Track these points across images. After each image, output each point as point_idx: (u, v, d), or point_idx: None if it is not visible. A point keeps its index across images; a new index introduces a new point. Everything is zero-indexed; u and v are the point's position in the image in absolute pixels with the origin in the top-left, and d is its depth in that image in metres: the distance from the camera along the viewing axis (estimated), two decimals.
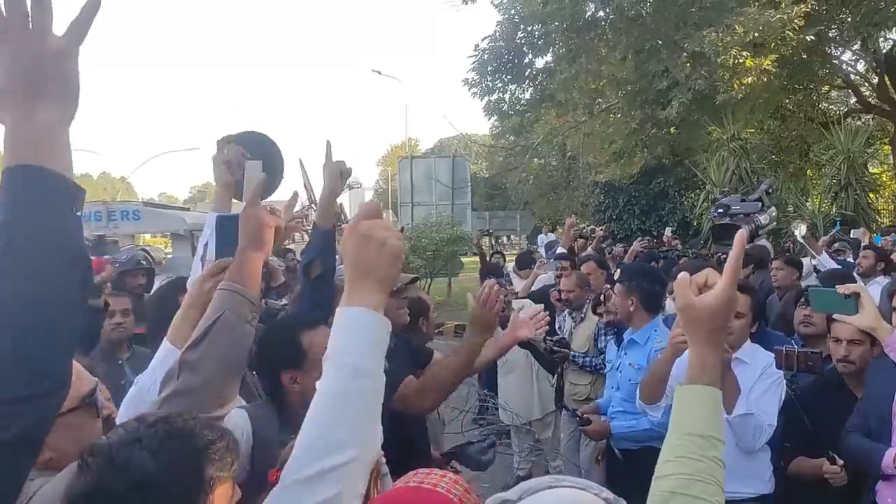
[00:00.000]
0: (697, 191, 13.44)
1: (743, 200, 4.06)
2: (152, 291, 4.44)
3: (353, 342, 1.15)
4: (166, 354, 1.91)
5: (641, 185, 15.74)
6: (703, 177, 13.25)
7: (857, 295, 2.55)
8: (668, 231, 11.22)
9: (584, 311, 5.27)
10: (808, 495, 3.04)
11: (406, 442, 2.75)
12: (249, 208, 1.73)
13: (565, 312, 5.52)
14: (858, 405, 3.05)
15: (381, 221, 1.21)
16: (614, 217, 15.73)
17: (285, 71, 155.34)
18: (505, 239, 21.79)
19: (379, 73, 30.95)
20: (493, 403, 6.82)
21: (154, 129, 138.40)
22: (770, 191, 4.41)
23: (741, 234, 1.30)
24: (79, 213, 1.03)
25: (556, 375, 5.43)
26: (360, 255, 1.17)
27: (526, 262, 8.24)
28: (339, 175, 2.63)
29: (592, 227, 10.50)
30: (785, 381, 3.00)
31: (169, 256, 12.11)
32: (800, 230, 6.77)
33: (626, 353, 4.06)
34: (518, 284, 6.86)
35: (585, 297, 5.30)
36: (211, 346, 1.54)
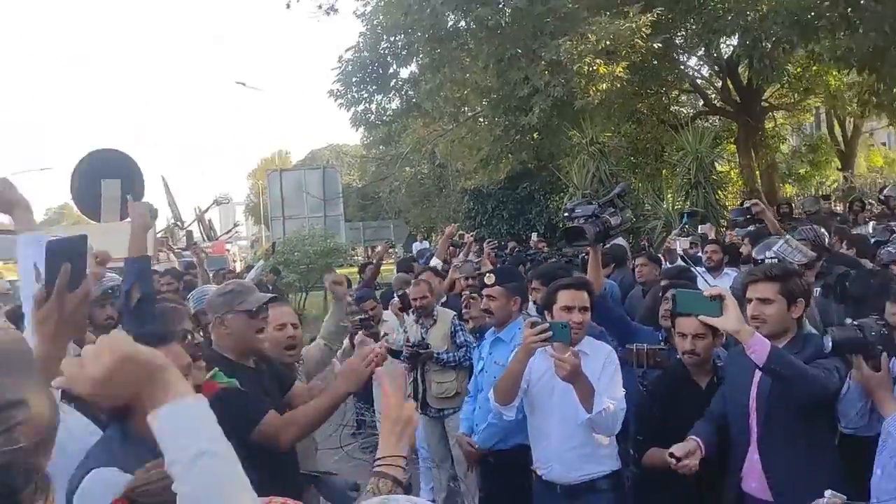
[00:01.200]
0: (562, 194, 13.88)
1: (589, 203, 4.14)
2: None
3: (189, 434, 1.13)
4: None
5: (509, 190, 16.09)
6: (566, 180, 13.69)
7: (721, 297, 2.63)
8: (534, 235, 11.51)
9: (436, 314, 5.39)
10: (667, 480, 3.16)
11: (272, 462, 2.67)
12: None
13: (411, 319, 5.60)
14: (716, 396, 3.23)
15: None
16: (484, 223, 15.98)
17: (149, 84, 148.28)
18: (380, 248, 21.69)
19: (243, 84, 30.09)
20: (371, 418, 6.73)
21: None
22: (623, 194, 4.53)
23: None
24: None
25: (413, 381, 5.44)
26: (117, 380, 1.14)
27: (407, 267, 8.23)
28: (145, 216, 2.83)
29: (462, 233, 10.59)
30: (637, 379, 3.08)
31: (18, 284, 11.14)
32: (680, 244, 7.11)
33: (490, 353, 4.13)
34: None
35: (434, 301, 5.48)
36: None
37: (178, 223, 19.56)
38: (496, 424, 3.83)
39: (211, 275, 8.99)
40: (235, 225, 22.04)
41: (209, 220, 23.76)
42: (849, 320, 2.71)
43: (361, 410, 7.00)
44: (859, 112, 18.80)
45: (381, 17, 16.38)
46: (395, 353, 5.38)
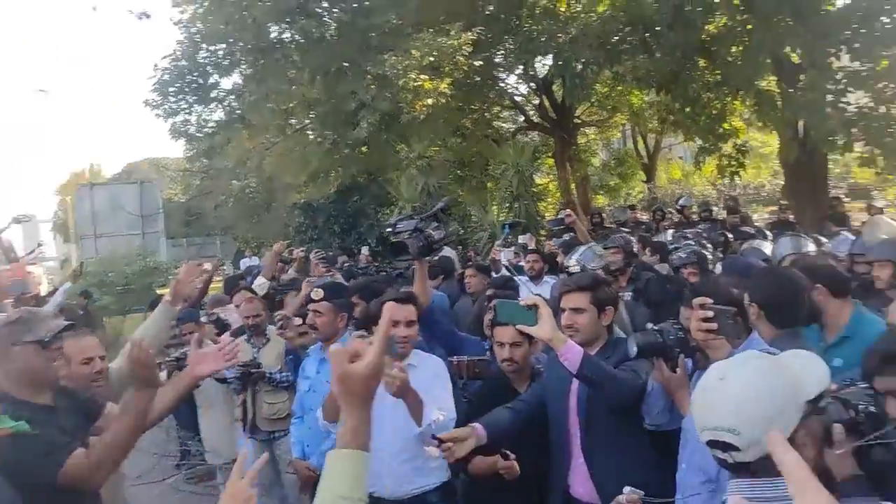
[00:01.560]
0: (392, 207, 14.01)
1: (412, 218, 4.23)
2: None
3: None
4: None
5: (339, 203, 15.98)
6: (395, 194, 13.84)
7: (536, 307, 2.72)
8: (364, 249, 11.52)
9: (268, 333, 5.31)
10: (494, 486, 3.26)
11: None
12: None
13: (242, 339, 5.40)
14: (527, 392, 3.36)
15: None
16: (315, 237, 15.75)
17: None
18: (208, 266, 20.66)
19: (45, 92, 27.54)
20: (196, 447, 6.38)
21: None
22: (446, 208, 4.65)
23: (389, 308, 1.53)
24: None
25: (242, 403, 5.27)
26: None
27: (234, 286, 7.90)
28: None
29: (292, 248, 10.37)
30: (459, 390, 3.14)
31: None
32: (505, 254, 7.38)
33: (318, 372, 4.08)
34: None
35: (266, 319, 5.42)
36: None
37: None
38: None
39: (11, 301, 8.16)
40: (39, 244, 20.05)
41: (8, 241, 21.53)
42: (650, 325, 2.90)
43: (185, 440, 6.64)
44: (659, 129, 20.67)
45: (199, 26, 15.68)
46: (221, 380, 5.17)
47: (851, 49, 11.61)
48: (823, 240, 6.08)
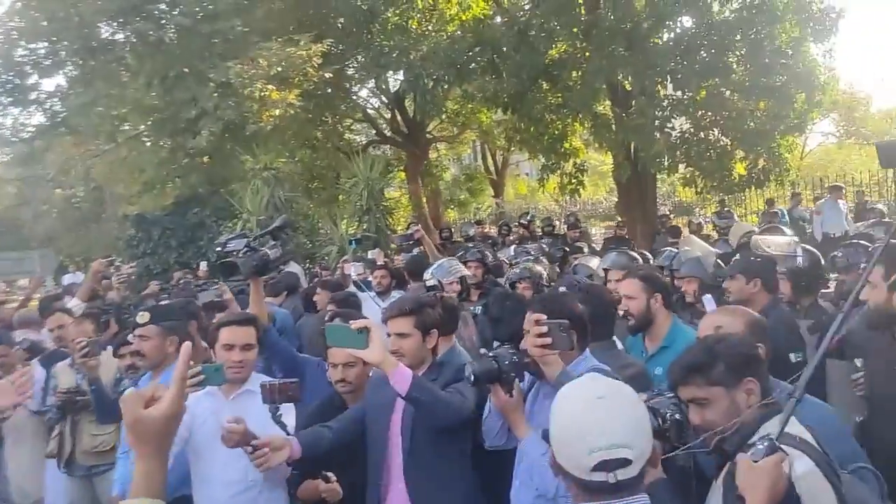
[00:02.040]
0: (235, 220, 13.43)
1: (244, 236, 4.04)
2: None
3: None
4: None
5: (178, 216, 15.00)
6: (239, 206, 13.28)
7: (367, 329, 2.68)
8: (203, 265, 10.93)
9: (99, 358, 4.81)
10: None
11: None
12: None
13: (64, 364, 4.92)
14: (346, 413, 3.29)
15: None
16: (149, 251, 14.67)
17: None
18: (26, 282, 18.78)
19: None
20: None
21: None
22: (284, 227, 4.47)
23: (186, 348, 1.40)
24: None
25: (58, 435, 4.79)
26: None
27: (49, 307, 7.12)
28: None
29: (119, 264, 9.61)
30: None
31: None
32: (354, 269, 7.20)
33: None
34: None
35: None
36: None
37: None
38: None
39: None
40: None
41: None
42: (483, 350, 2.89)
43: None
44: (506, 146, 21.36)
45: (18, 21, 14.28)
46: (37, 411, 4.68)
47: (675, 79, 12.65)
48: (648, 255, 6.45)
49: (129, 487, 3.62)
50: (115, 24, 13.94)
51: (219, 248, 4.11)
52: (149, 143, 15.47)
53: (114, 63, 13.78)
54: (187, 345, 1.32)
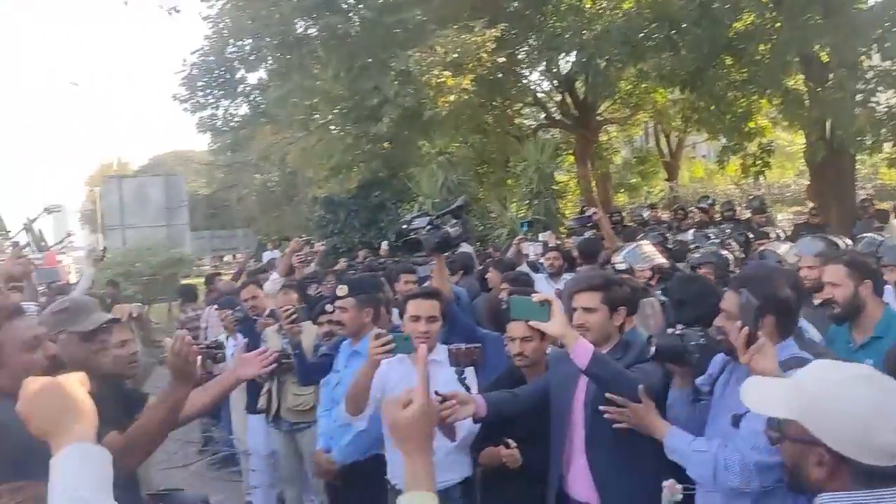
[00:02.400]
0: (413, 202, 14.09)
1: (426, 215, 4.28)
2: None
3: (78, 478, 1.21)
4: None
5: (360, 198, 16.05)
6: (416, 189, 13.90)
7: (549, 302, 2.71)
8: (384, 244, 11.59)
9: (300, 326, 5.29)
10: (503, 480, 3.34)
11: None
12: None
13: (272, 329, 5.40)
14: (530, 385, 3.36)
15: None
16: (336, 231, 15.84)
17: None
18: (232, 258, 20.90)
19: (77, 85, 27.93)
20: (220, 434, 6.51)
21: None
22: (463, 206, 4.68)
23: (422, 352, 1.57)
24: None
25: (267, 392, 5.30)
26: (47, 411, 1.28)
27: (255, 279, 7.98)
28: None
29: (312, 242, 10.47)
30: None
31: None
32: (532, 248, 7.40)
33: (347, 366, 4.07)
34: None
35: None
36: None
37: (2, 233, 17.96)
38: (359, 440, 3.82)
39: (43, 288, 8.32)
40: (69, 234, 20.34)
41: (39, 231, 21.95)
42: (670, 330, 2.82)
43: (208, 426, 6.76)
44: (682, 127, 20.51)
45: (227, 21, 15.87)
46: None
47: (882, 48, 11.43)
48: (848, 241, 6.03)
49: (331, 442, 4.06)
50: (308, 19, 15.02)
51: (404, 226, 4.37)
52: (336, 131, 16.55)
53: (307, 56, 14.88)
54: (423, 348, 1.49)
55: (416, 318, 3.48)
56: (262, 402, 5.37)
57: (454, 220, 4.42)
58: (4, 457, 1.85)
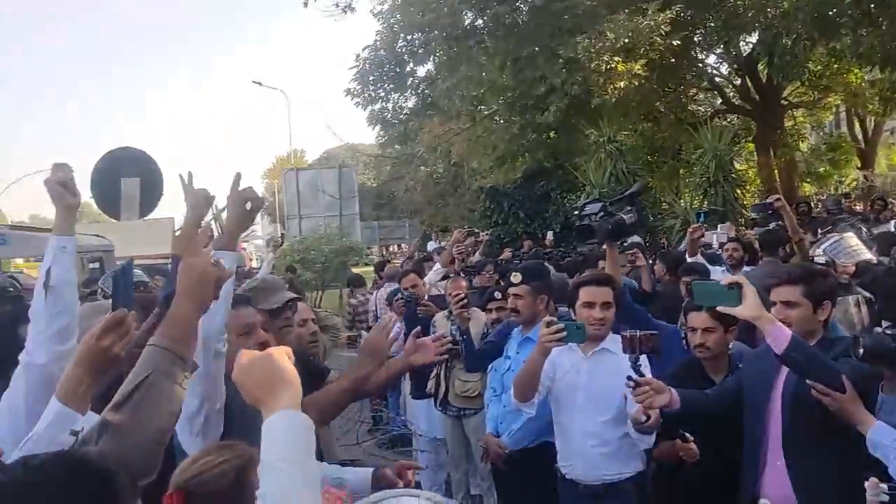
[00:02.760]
0: (578, 193, 13.83)
1: (598, 201, 4.12)
2: None
3: (281, 443, 1.27)
4: (58, 415, 1.66)
5: (525, 188, 16.03)
6: (582, 179, 13.63)
7: (738, 286, 2.53)
8: (549, 234, 11.48)
9: (469, 313, 5.28)
10: (679, 474, 3.19)
11: None
12: (192, 257, 1.61)
13: (442, 315, 5.45)
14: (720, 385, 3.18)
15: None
16: (500, 221, 15.92)
17: (164, 84, 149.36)
18: (396, 248, 21.70)
19: (260, 84, 30.21)
20: (388, 414, 6.71)
21: (22, 148, 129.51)
22: (639, 193, 4.48)
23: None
24: None
25: (436, 376, 5.37)
26: (255, 380, 1.34)
27: (419, 268, 8.19)
28: (244, 204, 2.41)
29: (477, 231, 10.58)
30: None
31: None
32: (717, 237, 7.05)
33: (518, 353, 4.04)
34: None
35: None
36: (136, 410, 1.43)
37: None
38: (529, 426, 3.80)
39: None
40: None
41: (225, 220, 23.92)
42: (877, 329, 2.62)
43: (379, 407, 6.98)
44: (881, 110, 18.57)
45: (397, 16, 16.39)
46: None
47: None
48: None
49: (501, 427, 4.03)
50: (476, 10, 15.17)
51: (577, 212, 4.25)
52: (501, 121, 16.61)
53: (474, 47, 15.04)
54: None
55: (590, 305, 3.38)
56: (430, 385, 5.47)
57: (628, 207, 4.24)
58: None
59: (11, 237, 11.29)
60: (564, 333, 3.02)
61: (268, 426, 1.28)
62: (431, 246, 15.78)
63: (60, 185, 2.23)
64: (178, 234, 2.87)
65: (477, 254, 9.99)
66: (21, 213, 57.98)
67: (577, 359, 3.41)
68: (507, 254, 10.90)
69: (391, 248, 21.63)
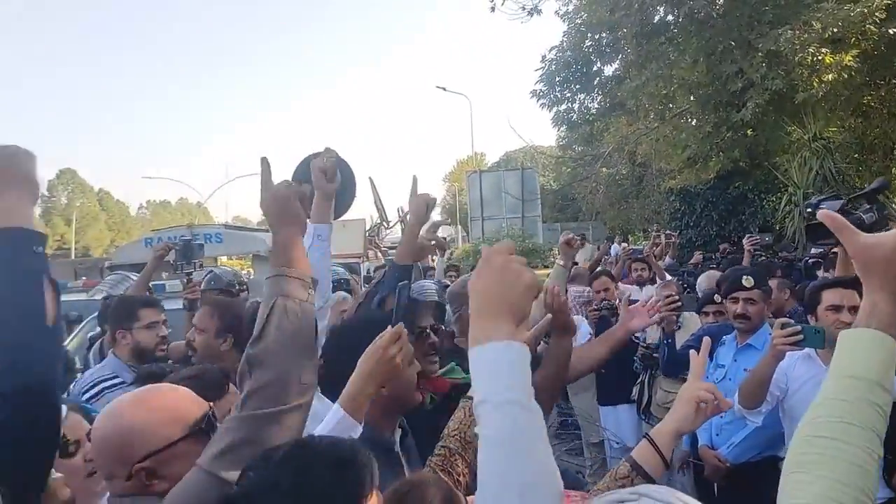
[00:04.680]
0: (779, 193, 13.02)
1: (837, 198, 3.88)
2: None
3: (507, 378, 1.09)
4: (340, 423, 1.79)
5: (718, 189, 15.31)
6: (784, 179, 12.82)
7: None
8: (763, 237, 10.87)
9: (681, 319, 5.08)
10: None
11: None
12: (266, 191, 1.67)
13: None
14: None
15: (515, 257, 1.19)
16: (691, 224, 15.33)
17: (351, 91, 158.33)
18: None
19: (444, 89, 31.16)
20: (573, 418, 6.68)
21: (225, 154, 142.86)
22: (880, 189, 4.18)
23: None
24: (39, 250, 1.41)
25: (640, 383, 5.31)
26: (494, 289, 1.15)
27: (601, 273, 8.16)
28: (424, 208, 2.59)
29: (668, 233, 10.29)
30: None
31: (250, 278, 12.50)
32: None
33: (735, 360, 3.93)
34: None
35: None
36: (274, 336, 1.46)
37: (385, 223, 20.71)
38: (754, 438, 3.66)
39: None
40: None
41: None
42: None
43: (564, 411, 6.95)
44: None
45: (584, 16, 16.31)
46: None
47: None
48: None
49: (717, 439, 3.83)
50: (667, 5, 14.76)
51: (809, 210, 4.05)
52: (692, 120, 16.01)
53: (665, 44, 14.64)
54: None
55: (837, 308, 3.18)
56: (634, 391, 5.40)
57: (867, 206, 3.98)
58: None
59: (226, 236, 12.67)
60: (801, 336, 2.87)
61: (491, 353, 1.10)
62: (614, 249, 15.51)
63: (322, 171, 2.42)
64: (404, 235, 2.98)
65: (667, 257, 9.75)
66: (225, 214, 63.83)
67: (816, 369, 3.22)
68: (697, 257, 10.51)
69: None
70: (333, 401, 1.88)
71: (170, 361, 3.57)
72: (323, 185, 2.43)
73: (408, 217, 2.83)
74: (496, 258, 1.17)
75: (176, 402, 1.54)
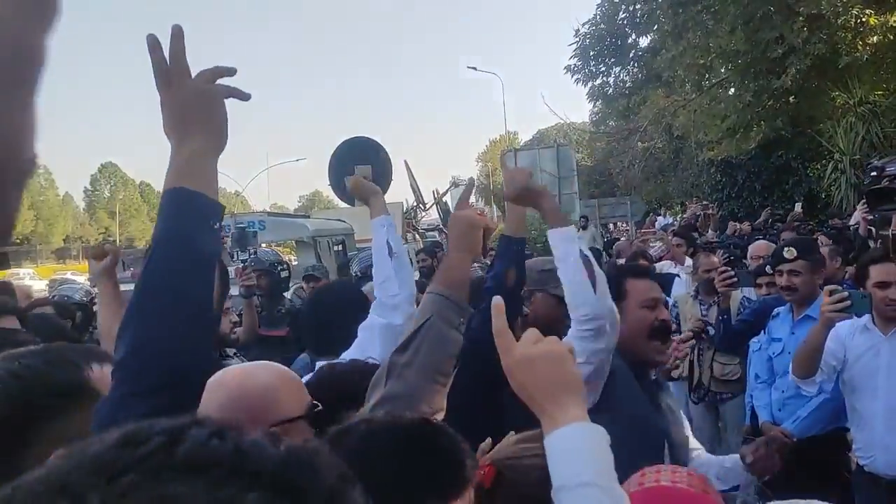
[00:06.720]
0: (824, 161, 12.73)
1: None
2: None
3: (575, 463, 1.10)
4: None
5: (760, 159, 15.01)
6: (829, 146, 12.54)
7: None
8: (797, 206, 10.70)
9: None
10: None
11: None
12: (459, 210, 1.73)
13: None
14: None
15: (533, 334, 1.21)
16: (733, 195, 15.09)
17: (384, 74, 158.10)
18: (612, 226, 21.34)
19: (475, 69, 30.98)
20: None
21: (260, 142, 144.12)
22: None
23: None
24: (217, 226, 1.22)
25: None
26: (540, 382, 1.15)
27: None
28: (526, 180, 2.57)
29: (706, 204, 10.17)
30: None
31: (294, 264, 12.65)
32: None
33: (793, 333, 3.84)
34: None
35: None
36: (417, 351, 1.49)
37: (421, 205, 20.72)
38: (821, 411, 3.56)
39: None
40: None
41: (445, 203, 24.90)
42: None
43: None
44: None
45: None
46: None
47: None
48: None
49: (779, 414, 3.78)
50: None
51: (873, 173, 3.97)
52: (731, 89, 15.69)
53: (702, 12, 14.33)
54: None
55: (885, 285, 3.14)
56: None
57: None
58: None
59: (269, 223, 12.83)
60: (849, 303, 2.85)
61: (558, 441, 1.11)
62: (660, 222, 15.32)
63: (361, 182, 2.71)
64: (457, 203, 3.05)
65: (709, 230, 9.64)
66: (263, 202, 64.47)
67: (875, 339, 3.17)
68: (745, 227, 10.35)
69: (608, 227, 21.31)
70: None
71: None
72: (373, 190, 2.67)
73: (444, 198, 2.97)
74: (515, 351, 1.18)
75: (297, 379, 1.52)
